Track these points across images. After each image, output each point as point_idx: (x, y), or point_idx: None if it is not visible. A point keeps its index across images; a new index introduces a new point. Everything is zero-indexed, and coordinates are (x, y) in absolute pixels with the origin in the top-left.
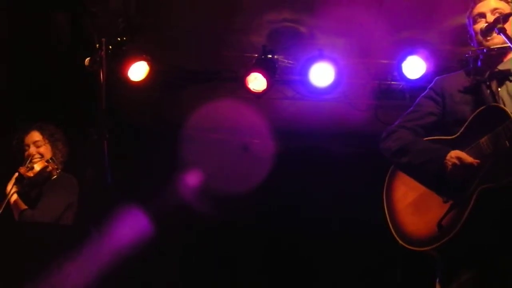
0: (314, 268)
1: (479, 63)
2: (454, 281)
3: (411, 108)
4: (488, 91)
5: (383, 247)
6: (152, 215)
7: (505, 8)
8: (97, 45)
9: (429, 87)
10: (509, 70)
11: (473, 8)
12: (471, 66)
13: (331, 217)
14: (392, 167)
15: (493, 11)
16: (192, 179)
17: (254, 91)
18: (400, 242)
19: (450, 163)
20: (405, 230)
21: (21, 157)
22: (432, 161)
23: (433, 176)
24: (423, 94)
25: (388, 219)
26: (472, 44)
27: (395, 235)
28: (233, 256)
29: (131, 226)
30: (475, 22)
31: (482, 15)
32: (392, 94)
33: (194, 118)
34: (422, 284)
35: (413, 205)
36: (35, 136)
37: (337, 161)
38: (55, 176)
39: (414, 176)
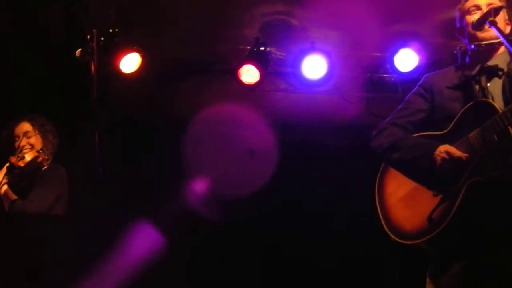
0: (313, 264)
1: (467, 59)
2: (445, 274)
3: (401, 105)
4: (478, 86)
5: (377, 243)
6: (144, 209)
7: (497, 3)
8: (88, 37)
9: (418, 84)
10: (497, 65)
11: (467, 0)
12: (459, 62)
13: (326, 211)
14: (384, 164)
15: (489, 5)
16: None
17: (247, 83)
18: (392, 236)
19: (439, 158)
20: (396, 224)
21: (12, 148)
22: (422, 156)
23: (424, 171)
24: (412, 91)
25: (380, 215)
26: (459, 37)
27: (387, 230)
28: (231, 255)
29: (143, 241)
30: (469, 13)
31: (478, 7)
32: (384, 87)
33: (186, 109)
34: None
35: (404, 200)
36: (26, 127)
37: (329, 153)
38: (45, 167)
39: (405, 171)
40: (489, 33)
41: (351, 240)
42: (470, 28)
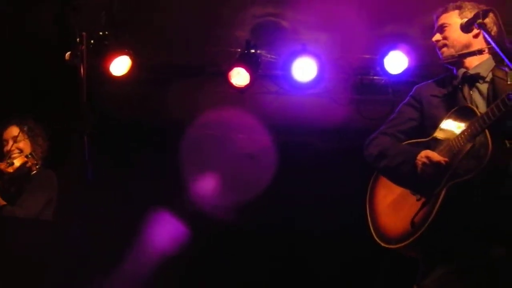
0: (305, 266)
1: (454, 71)
2: (430, 276)
3: (393, 115)
4: (461, 94)
5: (367, 246)
6: (136, 211)
7: (449, 20)
8: (78, 39)
9: (409, 94)
10: (478, 73)
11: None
12: (446, 72)
13: (316, 213)
14: (375, 172)
15: (439, 27)
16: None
17: (237, 86)
18: (379, 242)
19: (420, 163)
20: (383, 230)
21: (0, 153)
22: (405, 162)
23: (407, 176)
24: (403, 101)
25: (370, 222)
26: None
27: (375, 237)
28: (224, 259)
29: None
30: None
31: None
32: (374, 89)
33: (176, 112)
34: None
35: (391, 206)
36: (14, 131)
37: (319, 155)
38: (34, 172)
39: (392, 178)
40: (444, 55)
41: (342, 243)
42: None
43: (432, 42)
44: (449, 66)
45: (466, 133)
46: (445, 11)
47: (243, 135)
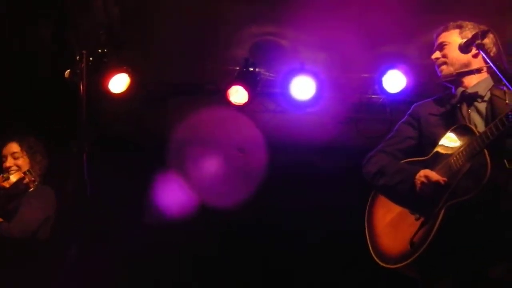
0: (293, 283)
1: (453, 90)
2: None
3: (391, 133)
4: (459, 113)
5: (365, 262)
6: (134, 228)
7: (449, 39)
8: (78, 57)
9: (407, 113)
10: (477, 92)
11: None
12: (444, 91)
13: (314, 232)
14: (373, 191)
15: (439, 45)
16: (175, 191)
17: (235, 103)
18: (378, 261)
19: (419, 182)
20: (382, 249)
21: None
22: (403, 181)
23: (406, 195)
24: (401, 120)
25: (368, 241)
26: None
27: (374, 256)
28: (216, 273)
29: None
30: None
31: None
32: (372, 108)
33: (178, 131)
34: None
35: (389, 226)
36: (14, 147)
37: (318, 174)
38: (32, 189)
39: (391, 197)
40: (443, 73)
41: (341, 263)
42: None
43: (431, 60)
44: (448, 85)
45: (464, 153)
46: (446, 29)
47: (241, 153)
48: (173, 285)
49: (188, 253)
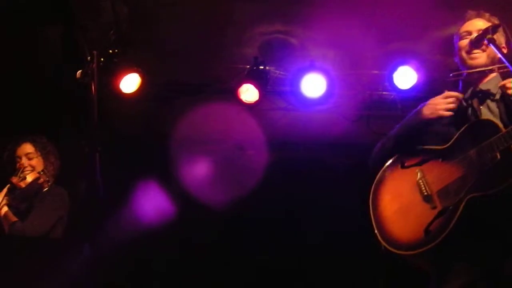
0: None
1: (460, 87)
2: (451, 283)
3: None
4: (470, 110)
5: (369, 258)
6: (143, 227)
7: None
8: (89, 58)
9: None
10: (489, 90)
11: (461, 25)
12: (454, 88)
13: (326, 229)
14: (377, 177)
15: (478, 30)
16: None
17: (246, 102)
18: (386, 246)
19: (424, 107)
20: (392, 236)
21: (12, 169)
22: (410, 118)
23: (417, 123)
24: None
25: (375, 227)
26: (455, 59)
27: (381, 240)
28: (220, 271)
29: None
30: (461, 38)
31: (469, 33)
32: (383, 105)
33: (186, 129)
34: None
35: (399, 212)
36: (27, 148)
37: (329, 171)
38: (46, 189)
39: (405, 142)
40: (478, 60)
41: (352, 259)
42: (462, 52)
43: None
44: (464, 79)
45: (489, 147)
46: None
47: (250, 151)
48: (173, 284)
49: (189, 253)
